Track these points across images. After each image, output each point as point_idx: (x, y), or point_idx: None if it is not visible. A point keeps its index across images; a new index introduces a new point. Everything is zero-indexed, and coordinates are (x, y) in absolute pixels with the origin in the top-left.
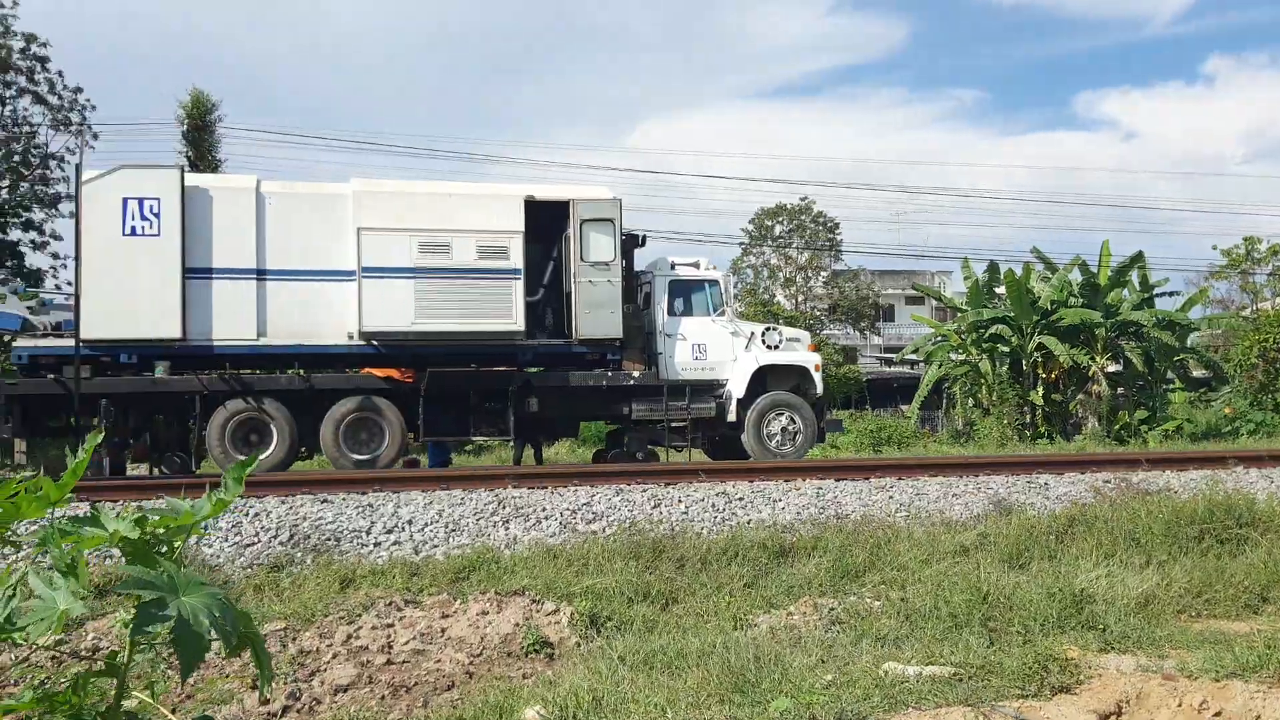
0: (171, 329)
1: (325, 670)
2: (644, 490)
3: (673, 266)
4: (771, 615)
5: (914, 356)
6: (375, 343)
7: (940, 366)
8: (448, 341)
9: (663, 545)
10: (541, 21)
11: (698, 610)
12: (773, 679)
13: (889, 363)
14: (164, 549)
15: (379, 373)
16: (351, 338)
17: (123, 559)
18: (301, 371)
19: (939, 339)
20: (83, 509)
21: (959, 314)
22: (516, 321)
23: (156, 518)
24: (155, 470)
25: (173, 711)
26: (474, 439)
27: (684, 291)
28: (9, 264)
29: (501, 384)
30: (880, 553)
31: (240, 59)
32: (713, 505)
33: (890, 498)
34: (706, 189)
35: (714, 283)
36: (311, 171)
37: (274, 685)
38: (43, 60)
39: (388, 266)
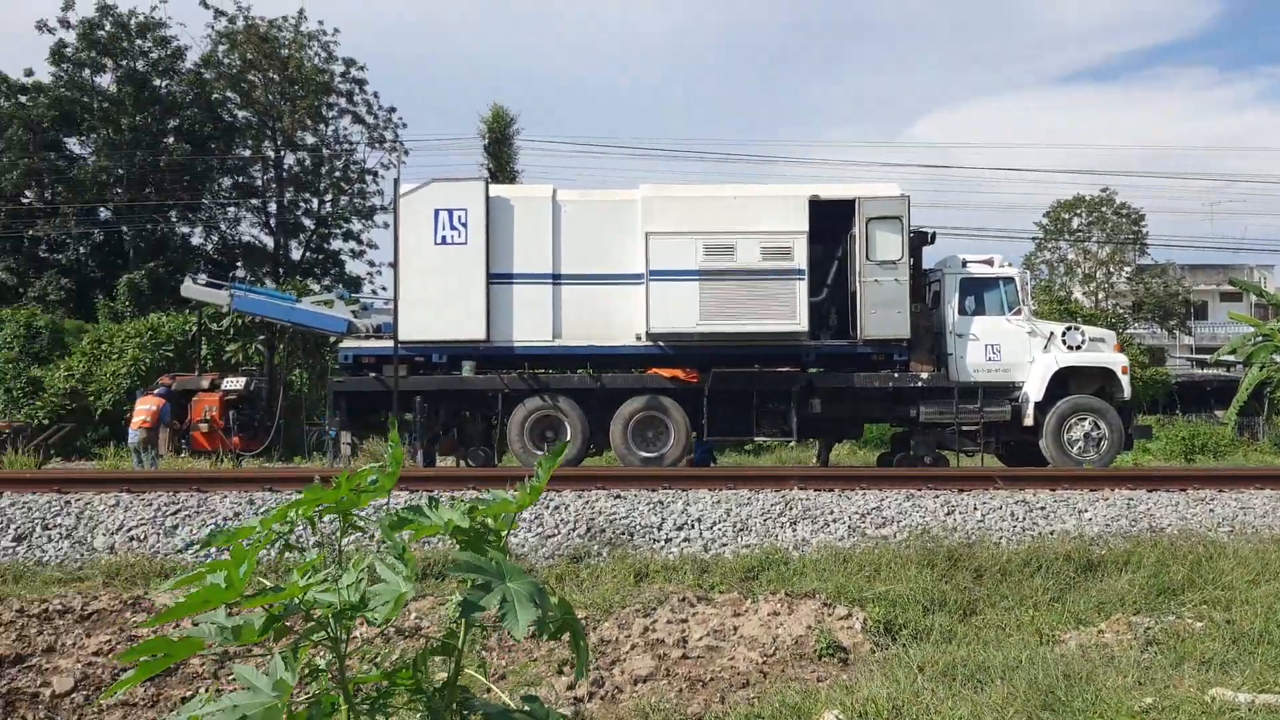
0: (477, 331)
1: (624, 660)
2: (936, 496)
3: (964, 264)
4: (1080, 632)
5: (1231, 358)
6: (661, 344)
7: (1262, 369)
8: (731, 342)
9: (958, 554)
10: (828, 19)
11: (998, 623)
12: (1085, 699)
13: (1201, 364)
14: (491, 538)
15: (665, 373)
16: (639, 339)
17: (432, 545)
18: (592, 371)
19: (1260, 339)
20: (399, 499)
21: None
22: (800, 322)
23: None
24: (461, 463)
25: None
26: (756, 439)
27: (976, 289)
28: (332, 271)
29: (784, 385)
30: (1201, 570)
31: (533, 73)
32: (1011, 514)
33: (1211, 511)
34: (996, 182)
35: (1009, 280)
36: (603, 179)
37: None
38: (360, 83)
39: (674, 269)
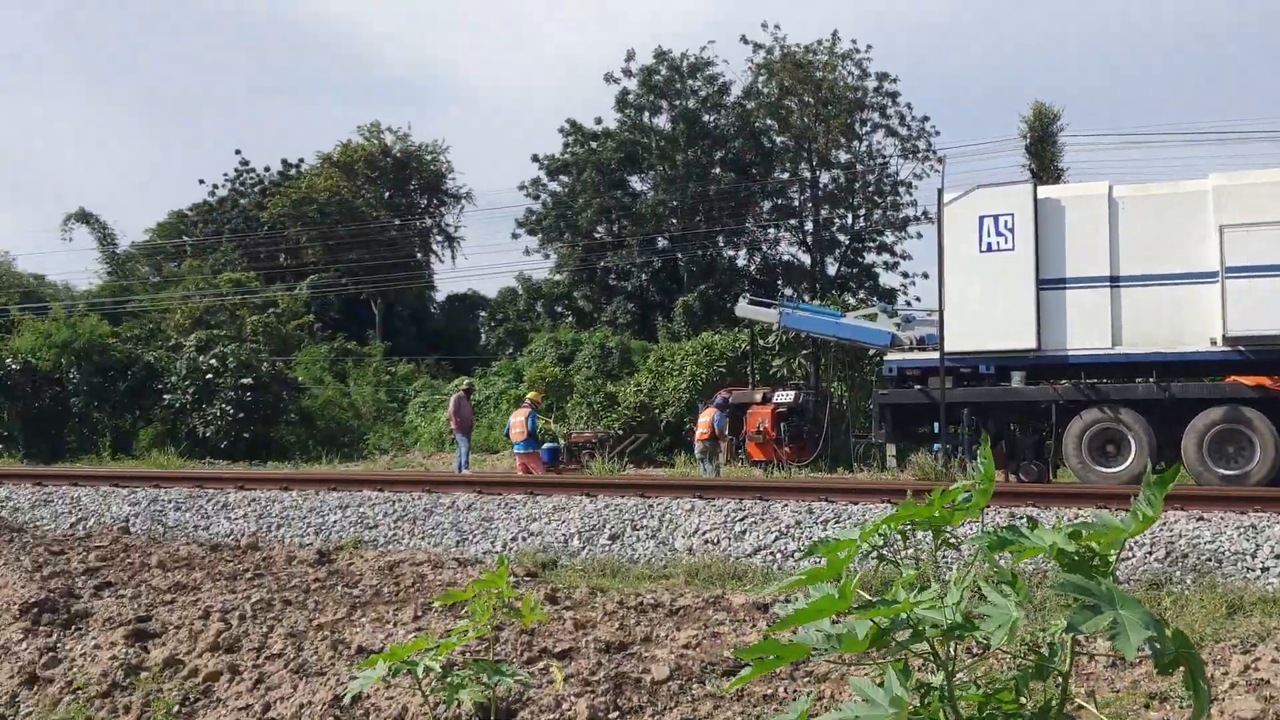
0: (1027, 340)
1: (1223, 700)
2: None
3: None
4: None
5: None
6: (1242, 347)
7: None
8: None
9: None
10: None
11: None
12: None
13: None
14: (1097, 563)
15: (1247, 380)
16: (1214, 343)
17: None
18: (1157, 380)
19: None
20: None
21: None
22: None
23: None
24: (1010, 477)
25: None
26: None
27: None
28: (866, 284)
29: None
30: None
31: (1071, 65)
32: None
33: None
34: None
35: None
36: (1154, 171)
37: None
38: (893, 95)
39: (1257, 265)
